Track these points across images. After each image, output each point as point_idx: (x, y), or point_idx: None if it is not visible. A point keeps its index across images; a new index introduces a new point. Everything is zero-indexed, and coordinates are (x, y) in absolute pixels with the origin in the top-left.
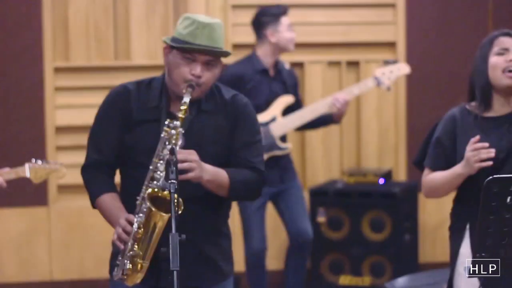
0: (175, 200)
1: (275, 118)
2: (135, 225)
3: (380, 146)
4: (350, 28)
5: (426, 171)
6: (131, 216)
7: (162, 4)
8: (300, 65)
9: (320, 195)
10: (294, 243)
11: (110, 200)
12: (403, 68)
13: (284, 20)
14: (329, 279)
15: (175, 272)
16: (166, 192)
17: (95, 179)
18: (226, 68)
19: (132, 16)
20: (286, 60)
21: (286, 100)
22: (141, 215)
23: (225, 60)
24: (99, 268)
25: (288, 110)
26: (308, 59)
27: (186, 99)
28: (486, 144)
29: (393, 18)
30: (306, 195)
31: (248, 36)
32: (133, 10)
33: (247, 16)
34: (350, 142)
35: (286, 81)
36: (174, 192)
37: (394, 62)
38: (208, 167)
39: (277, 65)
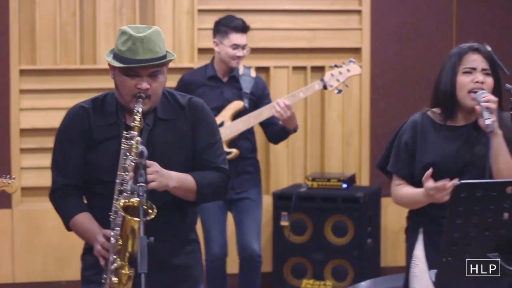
0: (147, 204)
1: (223, 123)
2: (112, 239)
3: (344, 151)
4: (316, 33)
5: (394, 177)
6: (107, 231)
7: (129, 8)
8: (265, 70)
9: (284, 199)
10: (241, 258)
11: (84, 219)
12: (353, 69)
13: (233, 37)
14: (292, 283)
15: (143, 275)
16: (137, 200)
17: (65, 202)
18: (182, 76)
19: (98, 20)
20: (252, 64)
21: (236, 105)
22: (117, 228)
23: (190, 65)
24: (62, 270)
25: (240, 116)
26: (274, 64)
27: (138, 108)
28: (448, 184)
29: (359, 24)
30: (269, 199)
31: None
32: (99, 14)
33: (213, 21)
34: (314, 147)
35: (243, 88)
36: (143, 194)
37: (346, 64)
38: (173, 174)
39: (232, 71)
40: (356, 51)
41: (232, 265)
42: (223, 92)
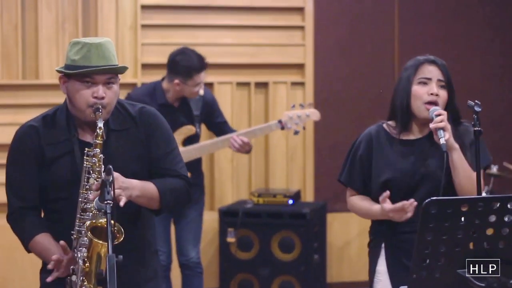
0: (115, 227)
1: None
2: (80, 261)
3: (288, 167)
4: (259, 49)
5: (348, 190)
6: (64, 243)
7: (71, 23)
8: (209, 85)
9: (230, 215)
10: (180, 265)
11: (44, 239)
12: (313, 114)
13: (196, 77)
14: None
15: None
16: (103, 221)
17: (23, 224)
18: (128, 96)
19: (41, 34)
20: None
21: (187, 131)
22: (82, 249)
23: (133, 80)
24: (24, 286)
25: (191, 140)
26: (217, 80)
27: (100, 123)
28: (406, 205)
29: (302, 40)
30: (215, 216)
31: (157, 56)
32: (42, 28)
33: (157, 36)
34: (258, 163)
35: (192, 111)
36: (110, 212)
37: (304, 106)
38: (135, 183)
39: (183, 97)
40: (300, 66)
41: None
42: (177, 118)
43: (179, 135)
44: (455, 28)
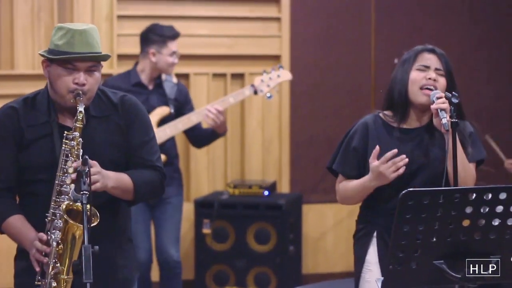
0: (90, 210)
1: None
2: (54, 243)
3: (264, 158)
4: (236, 40)
5: (339, 177)
6: (43, 236)
7: (47, 13)
8: (185, 76)
9: (205, 206)
10: (159, 263)
11: (17, 221)
12: (284, 75)
13: (171, 45)
14: None
15: (88, 284)
16: (79, 204)
17: None
18: (104, 82)
19: (16, 25)
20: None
21: (161, 111)
22: (55, 231)
23: (109, 71)
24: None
25: (165, 122)
26: (193, 70)
27: (81, 108)
28: (395, 151)
29: (278, 32)
30: (191, 207)
31: (133, 47)
32: (17, 19)
33: (133, 27)
34: (234, 154)
35: (167, 94)
36: (86, 203)
37: (275, 69)
38: (111, 174)
39: (157, 79)
40: (276, 58)
41: (157, 273)
42: (148, 99)
43: (154, 116)
44: (431, 21)
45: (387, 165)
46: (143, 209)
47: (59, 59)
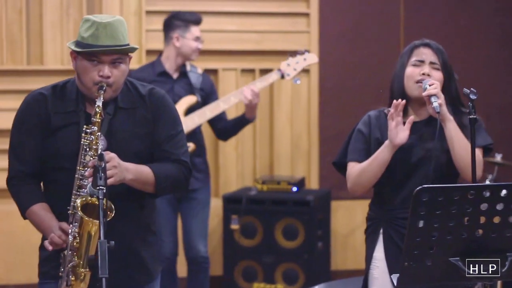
0: (104, 206)
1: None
2: (70, 236)
3: (293, 153)
4: (264, 36)
5: (350, 165)
6: (64, 225)
7: (76, 8)
8: (214, 72)
9: (234, 202)
10: (188, 259)
11: (40, 210)
12: (310, 58)
13: (194, 30)
14: (242, 286)
15: (103, 279)
16: (95, 198)
17: (22, 190)
18: (129, 74)
19: (45, 20)
20: (200, 66)
21: (188, 100)
22: (75, 224)
23: (138, 66)
24: (27, 273)
25: (193, 111)
26: (222, 66)
27: (99, 102)
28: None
29: (307, 27)
30: (219, 203)
31: (161, 42)
32: (46, 14)
33: (161, 22)
34: (263, 150)
35: (193, 84)
36: (102, 198)
37: (301, 53)
38: (130, 166)
39: (182, 68)
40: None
41: (184, 269)
42: (173, 88)
43: (182, 105)
44: (460, 16)
45: (396, 112)
46: (170, 202)
47: (84, 52)
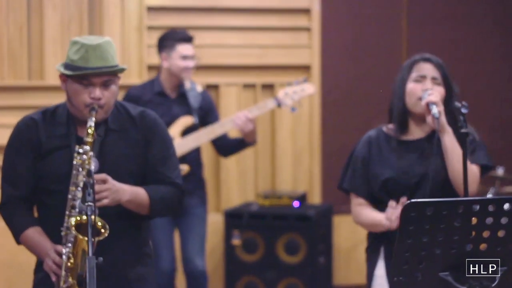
0: (99, 225)
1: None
2: (64, 257)
3: (295, 169)
4: (266, 51)
5: (354, 198)
6: (59, 247)
7: (76, 24)
8: (215, 87)
9: (235, 217)
10: (186, 273)
11: (34, 234)
12: (308, 89)
13: (181, 48)
14: None
15: None
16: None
17: (15, 215)
18: (128, 91)
19: (46, 35)
20: (201, 82)
21: (185, 121)
22: (69, 245)
23: (139, 82)
24: None
25: (189, 132)
26: (223, 81)
27: (91, 122)
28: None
29: (308, 42)
30: (220, 218)
31: None
32: (47, 29)
33: None
34: (264, 165)
35: (191, 104)
36: (91, 214)
37: (299, 82)
38: (126, 188)
39: (180, 87)
40: (306, 68)
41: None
42: (171, 109)
43: (178, 126)
44: (463, 31)
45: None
46: (167, 219)
47: (74, 75)
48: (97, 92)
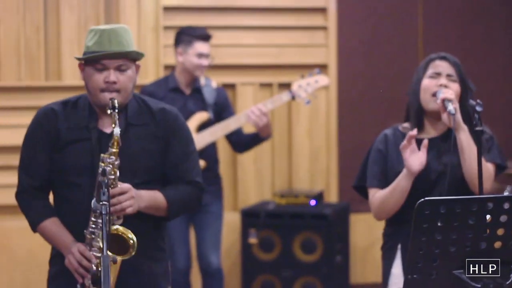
0: (130, 242)
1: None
2: (94, 266)
3: (312, 167)
4: (282, 50)
5: (372, 191)
6: (82, 247)
7: (93, 24)
8: (232, 86)
9: (252, 216)
10: (201, 270)
11: (53, 225)
12: (321, 80)
13: (198, 46)
14: None
15: None
16: (121, 228)
17: (31, 204)
18: (142, 88)
19: (63, 36)
20: (218, 81)
21: (200, 117)
22: (96, 250)
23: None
24: None
25: (205, 127)
26: (240, 80)
27: (117, 130)
28: (409, 133)
29: (325, 41)
30: (237, 217)
31: None
32: (64, 30)
33: None
34: (281, 163)
35: (206, 100)
36: (105, 214)
37: (313, 74)
38: (144, 194)
39: (194, 83)
40: (323, 67)
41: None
42: (186, 104)
43: (193, 121)
44: (479, 28)
45: (411, 147)
46: (182, 216)
47: (87, 58)
48: (112, 75)
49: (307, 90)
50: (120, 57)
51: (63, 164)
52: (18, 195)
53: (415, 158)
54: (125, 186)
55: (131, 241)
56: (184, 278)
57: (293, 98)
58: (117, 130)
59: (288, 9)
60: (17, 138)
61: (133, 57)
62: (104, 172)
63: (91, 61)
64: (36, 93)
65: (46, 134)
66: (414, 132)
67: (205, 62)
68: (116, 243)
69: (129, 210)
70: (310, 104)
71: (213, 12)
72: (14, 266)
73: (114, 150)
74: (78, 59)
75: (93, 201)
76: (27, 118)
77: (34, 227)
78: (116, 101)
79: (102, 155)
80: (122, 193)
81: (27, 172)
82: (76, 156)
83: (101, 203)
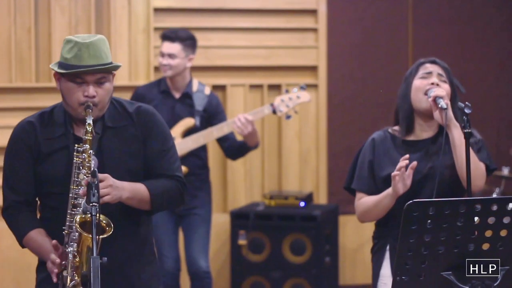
0: (103, 222)
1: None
2: (70, 256)
3: (301, 169)
4: (272, 52)
5: (358, 194)
6: (57, 245)
7: (84, 26)
8: (222, 88)
9: (241, 217)
10: (189, 274)
11: (37, 235)
12: (303, 96)
13: (163, 45)
14: None
15: None
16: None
17: (17, 219)
18: (135, 90)
19: (54, 38)
20: (208, 82)
21: (186, 123)
22: (72, 243)
23: (147, 82)
24: None
25: (190, 134)
26: (230, 82)
27: (89, 120)
28: (407, 157)
29: (315, 43)
30: (227, 218)
31: None
32: (55, 31)
33: None
34: (271, 165)
35: (195, 105)
36: (95, 214)
37: (297, 90)
38: (126, 185)
39: (185, 87)
40: (313, 69)
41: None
42: (174, 108)
43: (179, 127)
44: (469, 31)
45: (401, 177)
46: (171, 218)
47: (68, 73)
48: (91, 90)
49: (288, 105)
50: (100, 72)
51: (46, 175)
52: (4, 212)
53: (403, 182)
54: (103, 175)
55: (104, 222)
56: (174, 282)
57: (274, 112)
58: (89, 120)
59: (278, 11)
60: (7, 139)
61: (111, 70)
62: (94, 174)
63: (70, 75)
64: (27, 94)
65: (27, 148)
66: (406, 161)
67: (164, 61)
68: (90, 228)
69: (107, 199)
70: (290, 119)
71: (204, 14)
72: (4, 267)
73: (87, 137)
74: (58, 72)
75: (83, 202)
76: (17, 119)
77: (21, 241)
78: (90, 104)
79: (76, 145)
80: (99, 181)
81: (10, 189)
82: (57, 166)
83: (91, 204)
